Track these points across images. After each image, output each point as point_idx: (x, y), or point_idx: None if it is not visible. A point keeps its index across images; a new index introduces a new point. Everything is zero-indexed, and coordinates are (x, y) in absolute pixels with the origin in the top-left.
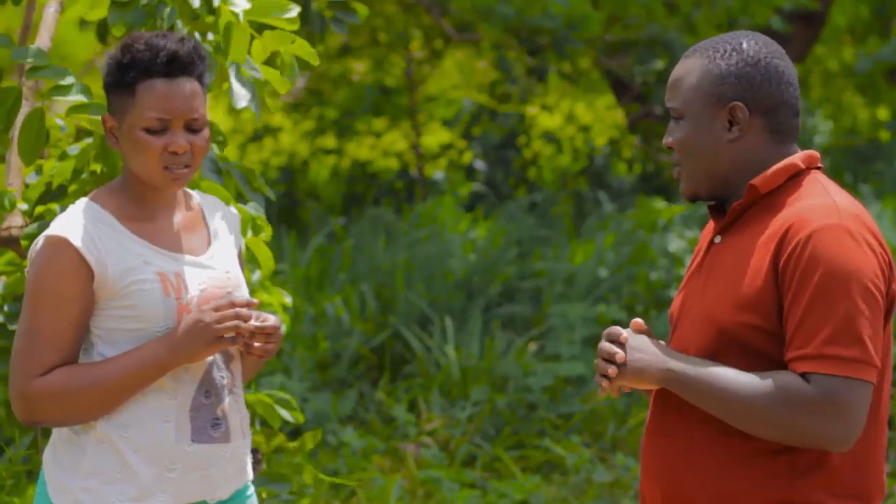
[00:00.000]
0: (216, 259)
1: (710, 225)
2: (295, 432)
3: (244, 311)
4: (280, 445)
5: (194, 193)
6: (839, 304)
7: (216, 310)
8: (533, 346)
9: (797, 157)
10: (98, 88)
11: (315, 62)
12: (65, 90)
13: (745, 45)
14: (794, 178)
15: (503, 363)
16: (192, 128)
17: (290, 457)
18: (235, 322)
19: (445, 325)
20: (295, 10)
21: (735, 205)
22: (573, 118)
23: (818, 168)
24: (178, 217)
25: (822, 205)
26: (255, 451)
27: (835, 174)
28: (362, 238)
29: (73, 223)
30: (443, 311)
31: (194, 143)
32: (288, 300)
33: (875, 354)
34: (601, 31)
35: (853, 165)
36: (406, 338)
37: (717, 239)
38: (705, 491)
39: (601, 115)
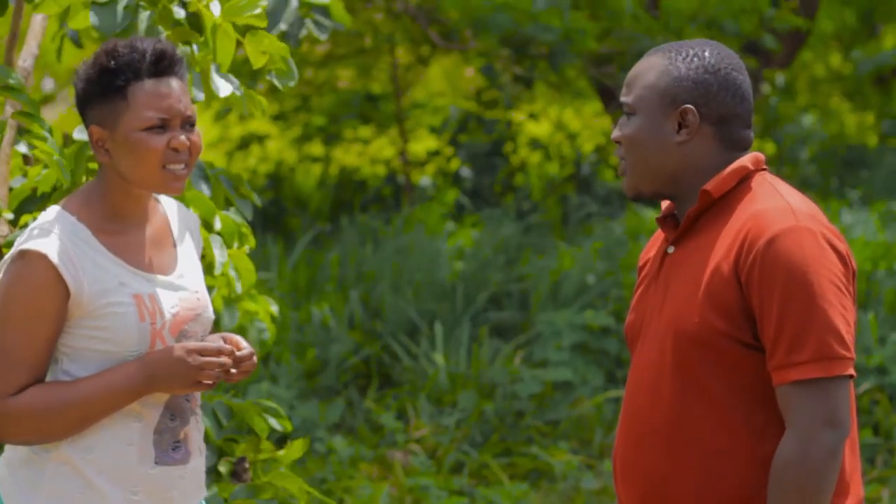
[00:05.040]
0: (186, 277)
1: (659, 235)
2: (282, 440)
3: (228, 360)
4: (268, 454)
5: (159, 198)
6: (812, 305)
7: (201, 353)
8: (520, 353)
9: (746, 160)
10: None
11: (287, 55)
12: (30, 119)
13: (707, 53)
14: (744, 180)
15: (491, 370)
16: (186, 125)
17: (277, 465)
18: (218, 372)
19: (433, 332)
20: (261, 5)
21: (689, 212)
22: (561, 125)
23: (764, 170)
24: (149, 230)
25: (777, 208)
26: (242, 460)
27: (822, 180)
28: (349, 245)
29: (50, 238)
30: (430, 318)
31: (192, 141)
32: (274, 309)
33: (852, 347)
34: (596, 46)
35: (841, 171)
36: (393, 345)
37: (671, 249)
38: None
39: (589, 122)
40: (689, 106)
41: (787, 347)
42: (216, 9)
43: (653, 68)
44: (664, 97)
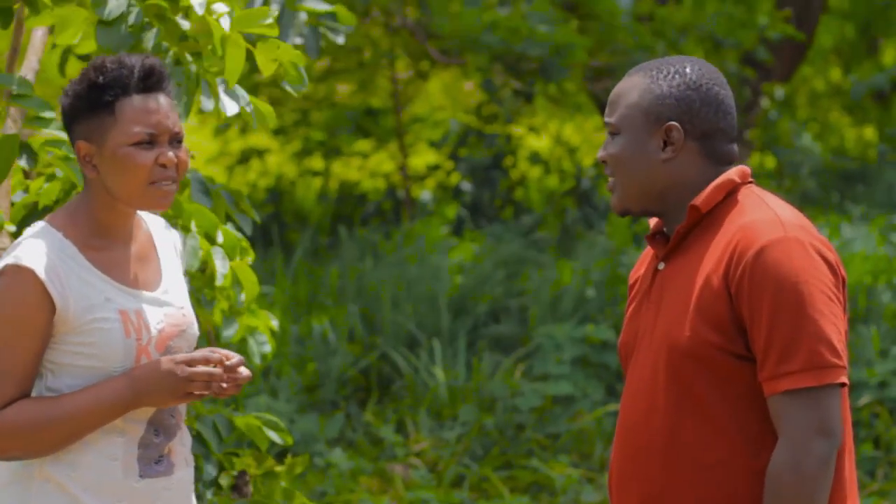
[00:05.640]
0: (170, 293)
1: (648, 253)
2: (282, 453)
3: (217, 371)
4: (268, 468)
5: (142, 216)
6: (801, 314)
7: (189, 364)
8: (520, 367)
9: (732, 173)
10: None
11: (302, 62)
12: (44, 122)
13: (688, 70)
14: (732, 193)
15: (491, 383)
16: (174, 142)
17: (278, 480)
18: (207, 382)
19: (433, 346)
20: (272, 16)
21: (679, 228)
22: (561, 139)
23: (751, 182)
24: (133, 246)
25: (765, 219)
26: (242, 474)
27: (822, 194)
28: (349, 259)
29: (37, 253)
30: (430, 331)
31: (180, 158)
32: (274, 323)
33: (844, 355)
34: (587, 58)
35: (841, 186)
36: (393, 359)
37: (661, 266)
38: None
39: (589, 137)
40: (673, 123)
41: (778, 357)
42: (226, 23)
43: (635, 87)
44: (648, 115)
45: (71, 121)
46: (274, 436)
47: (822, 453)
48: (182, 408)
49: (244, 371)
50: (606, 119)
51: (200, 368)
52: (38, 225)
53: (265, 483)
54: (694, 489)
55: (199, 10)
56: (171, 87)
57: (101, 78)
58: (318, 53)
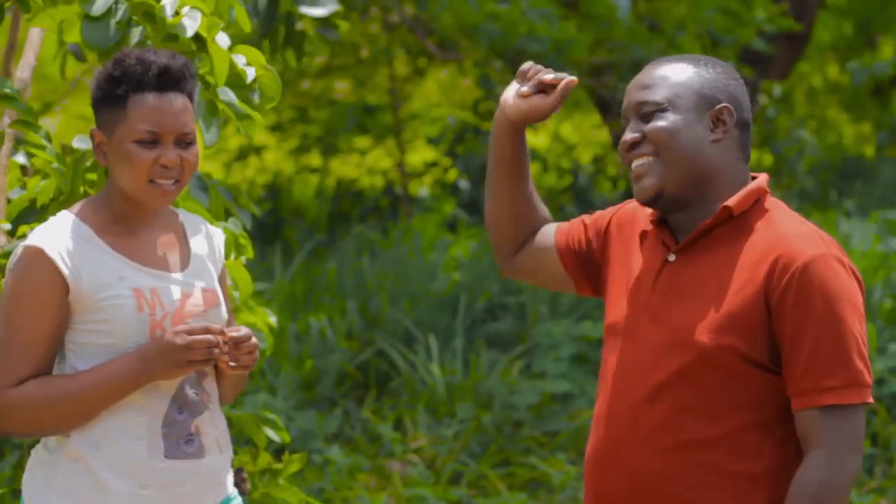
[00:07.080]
0: (195, 276)
1: (632, 209)
2: (280, 450)
3: (217, 338)
4: (266, 465)
5: (178, 211)
6: (846, 332)
7: (189, 332)
8: (518, 364)
9: (762, 181)
10: (84, 108)
11: (277, 82)
12: (30, 128)
13: (725, 64)
14: (759, 200)
15: (488, 381)
16: (182, 143)
17: (276, 477)
18: (207, 348)
19: (430, 343)
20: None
21: (703, 224)
22: (558, 137)
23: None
24: (159, 234)
25: (805, 233)
26: (240, 471)
27: (820, 191)
28: (347, 256)
29: (50, 235)
30: (427, 328)
31: (185, 159)
32: (272, 320)
33: (870, 374)
34: (587, 55)
35: (838, 182)
36: (391, 356)
37: (672, 257)
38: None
39: (586, 134)
40: (727, 105)
41: (821, 372)
42: (191, 27)
43: (681, 70)
44: (701, 96)
45: (94, 107)
46: (272, 433)
47: (854, 470)
48: (209, 386)
49: (254, 340)
50: (646, 98)
51: (199, 336)
52: (61, 213)
53: (263, 480)
54: (685, 486)
55: (169, 12)
56: (192, 87)
57: (118, 71)
58: (300, 58)
